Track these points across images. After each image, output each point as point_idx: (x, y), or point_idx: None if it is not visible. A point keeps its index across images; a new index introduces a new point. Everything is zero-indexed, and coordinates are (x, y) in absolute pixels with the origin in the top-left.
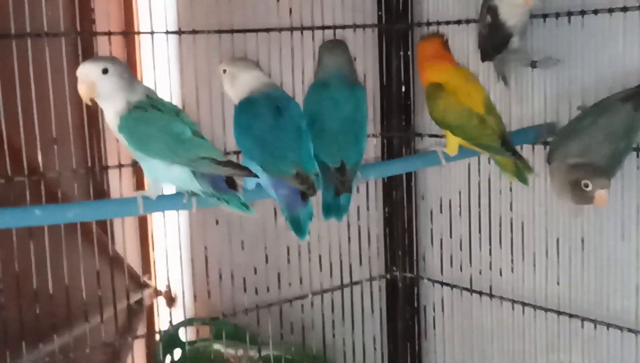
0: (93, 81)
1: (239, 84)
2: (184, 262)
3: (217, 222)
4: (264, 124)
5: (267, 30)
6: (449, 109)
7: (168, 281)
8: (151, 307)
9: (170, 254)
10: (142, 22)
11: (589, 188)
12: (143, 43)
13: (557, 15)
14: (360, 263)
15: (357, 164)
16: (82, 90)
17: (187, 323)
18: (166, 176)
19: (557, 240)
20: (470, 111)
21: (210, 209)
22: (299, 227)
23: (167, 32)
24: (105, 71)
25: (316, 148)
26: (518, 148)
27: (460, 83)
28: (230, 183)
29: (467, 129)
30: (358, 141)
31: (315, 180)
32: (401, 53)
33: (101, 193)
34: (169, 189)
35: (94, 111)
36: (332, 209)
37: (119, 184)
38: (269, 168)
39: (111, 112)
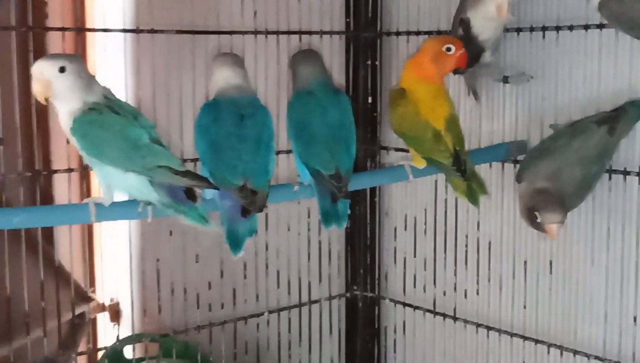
0: (49, 79)
1: (213, 82)
2: (133, 275)
3: (170, 233)
4: (221, 130)
5: (230, 32)
6: (406, 118)
7: (115, 294)
8: (96, 321)
9: (119, 266)
10: (97, 19)
11: (539, 220)
12: (98, 41)
13: (532, 29)
14: (320, 281)
15: (350, 170)
16: (37, 89)
17: (134, 339)
18: (120, 184)
19: (525, 262)
20: (427, 124)
21: (164, 219)
22: (234, 241)
23: (124, 30)
24: (62, 70)
25: (308, 156)
26: (486, 166)
27: (426, 95)
28: (189, 194)
29: (420, 142)
30: (348, 147)
31: (263, 197)
32: (369, 62)
33: (48, 199)
34: (122, 196)
35: (43, 110)
36: (332, 217)
37: (68, 190)
38: (215, 175)
39: (65, 113)
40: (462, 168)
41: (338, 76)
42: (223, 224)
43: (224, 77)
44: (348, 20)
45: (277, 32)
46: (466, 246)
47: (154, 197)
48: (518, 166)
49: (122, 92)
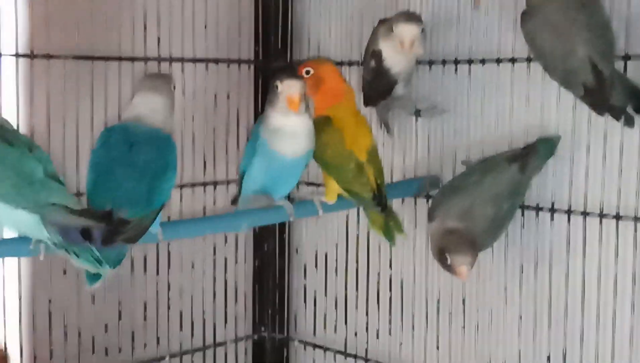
0: None
1: (128, 106)
2: (23, 317)
3: (65, 272)
4: (104, 155)
5: (132, 59)
6: (330, 146)
7: (2, 338)
8: None
9: (8, 307)
10: None
11: (449, 262)
12: None
13: (444, 62)
14: (226, 322)
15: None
16: None
17: None
18: (9, 221)
19: (438, 301)
20: (351, 154)
21: (58, 256)
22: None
23: (17, 55)
24: None
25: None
26: (398, 201)
27: (350, 124)
28: (85, 233)
29: (342, 172)
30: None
31: (137, 228)
32: None
33: None
34: (12, 233)
35: None
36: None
37: None
38: (89, 200)
39: None
40: (382, 202)
41: (246, 106)
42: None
43: (134, 103)
44: (257, 48)
45: (181, 60)
46: (378, 284)
47: (45, 236)
48: (430, 202)
49: (14, 120)
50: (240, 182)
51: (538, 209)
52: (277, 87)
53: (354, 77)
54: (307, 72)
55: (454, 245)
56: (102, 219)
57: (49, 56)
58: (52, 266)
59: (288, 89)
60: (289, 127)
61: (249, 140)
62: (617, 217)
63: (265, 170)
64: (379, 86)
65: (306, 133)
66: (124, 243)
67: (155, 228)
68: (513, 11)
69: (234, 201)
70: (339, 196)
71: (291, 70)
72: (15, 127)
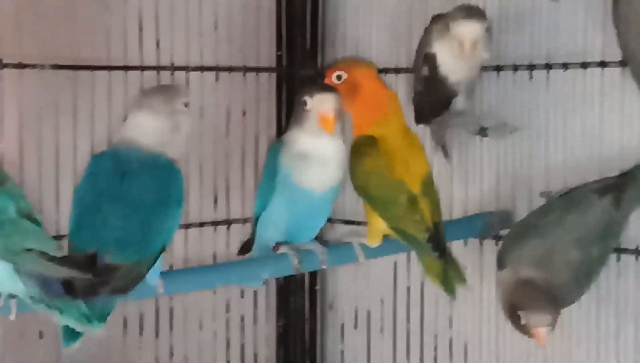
0: None
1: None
2: None
3: (41, 335)
4: (92, 188)
5: (125, 68)
6: (375, 174)
7: None
8: None
9: None
10: None
11: (523, 322)
12: None
13: (515, 68)
14: None
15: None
16: None
17: None
18: None
19: None
20: (401, 185)
21: (32, 315)
22: (67, 329)
23: None
24: None
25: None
26: (460, 243)
27: (400, 145)
28: (68, 285)
29: (390, 207)
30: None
31: (125, 275)
32: None
33: None
34: None
35: None
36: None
37: None
38: (69, 241)
39: None
40: (440, 246)
41: (267, 121)
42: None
43: (128, 123)
44: (280, 53)
45: (186, 68)
46: (435, 349)
47: (19, 288)
48: (500, 245)
49: None
50: (254, 227)
51: (637, 252)
52: (305, 103)
53: (401, 88)
54: (339, 78)
55: (530, 301)
56: (87, 267)
57: (21, 66)
58: (25, 328)
59: (320, 105)
60: (320, 154)
61: (265, 172)
62: None
63: (289, 210)
64: (433, 99)
65: (339, 160)
66: (111, 295)
67: (153, 279)
68: (602, 3)
69: (244, 249)
70: (385, 238)
71: (323, 81)
72: None
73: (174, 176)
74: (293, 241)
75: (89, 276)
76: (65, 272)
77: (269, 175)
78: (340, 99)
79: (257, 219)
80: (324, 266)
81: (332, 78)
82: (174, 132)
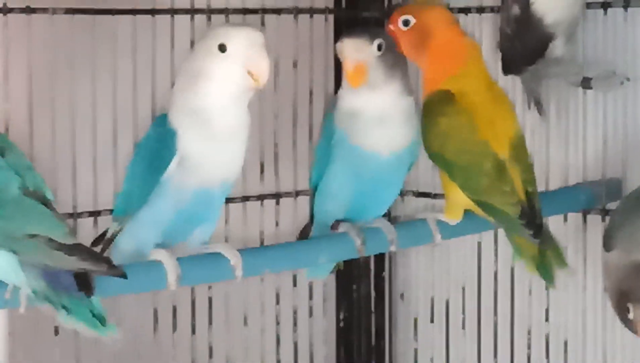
0: None
1: None
2: None
3: (56, 331)
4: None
5: (152, 11)
6: (454, 135)
7: None
8: None
9: None
10: None
11: (631, 316)
12: None
13: (627, 3)
14: None
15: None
16: None
17: None
18: None
19: None
20: (487, 148)
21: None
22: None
23: None
24: None
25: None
26: (558, 218)
27: (484, 102)
28: (81, 280)
29: (473, 176)
30: None
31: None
32: None
33: None
34: None
35: None
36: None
37: None
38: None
39: None
40: (535, 223)
41: (323, 74)
42: None
43: None
44: None
45: (225, 11)
46: (529, 347)
47: (22, 281)
48: (608, 220)
49: None
50: (312, 202)
51: None
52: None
53: (486, 31)
54: (406, 23)
55: None
56: (104, 259)
57: (30, 10)
58: (38, 324)
59: (341, 55)
60: (372, 110)
61: (321, 134)
62: None
63: (349, 179)
64: (526, 44)
65: (404, 118)
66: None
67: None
68: None
69: (304, 233)
70: (467, 213)
71: (364, 25)
72: None
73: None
74: (357, 219)
75: (106, 268)
76: (76, 263)
77: (325, 138)
78: (369, 45)
79: (314, 191)
80: (393, 249)
81: (399, 24)
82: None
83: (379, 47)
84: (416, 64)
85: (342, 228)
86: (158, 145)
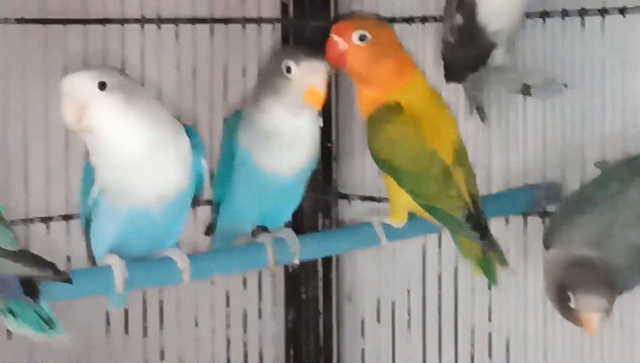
0: None
1: None
2: None
3: (8, 335)
4: None
5: (103, 21)
6: (402, 143)
7: None
8: None
9: None
10: None
11: (572, 305)
12: None
13: (564, 14)
14: None
15: None
16: None
17: None
18: None
19: None
20: (434, 154)
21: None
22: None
23: None
24: None
25: None
26: (499, 221)
27: (427, 109)
28: (27, 286)
29: (422, 181)
30: None
31: None
32: None
33: None
34: None
35: None
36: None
37: None
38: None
39: None
40: (480, 224)
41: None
42: None
43: None
44: (285, 1)
45: (174, 21)
46: (472, 345)
47: None
48: (547, 222)
49: None
50: (215, 214)
51: None
52: (289, 70)
53: (429, 40)
54: (362, 39)
55: (582, 281)
56: (49, 265)
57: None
58: None
59: (309, 75)
60: (293, 133)
61: (222, 152)
62: None
63: (253, 198)
64: (468, 52)
65: (311, 139)
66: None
67: None
68: None
69: (208, 231)
70: (411, 216)
71: (314, 44)
72: None
73: None
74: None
75: (51, 273)
76: (21, 269)
77: (228, 156)
78: (330, 69)
79: (217, 205)
80: (297, 262)
81: (353, 38)
82: None
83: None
84: (357, 78)
85: (260, 238)
86: None
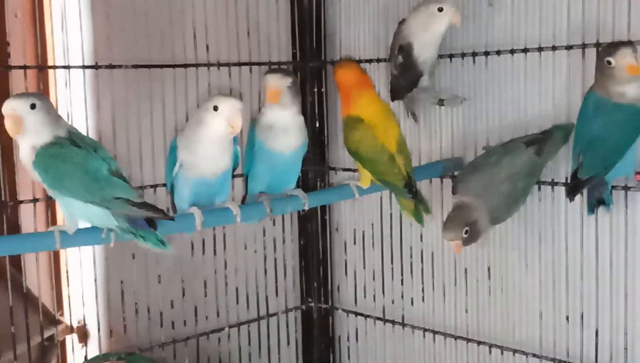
0: (20, 115)
1: None
2: (99, 297)
3: (133, 256)
4: None
5: (185, 65)
6: (364, 142)
7: (82, 316)
8: (65, 343)
9: (86, 289)
10: (58, 56)
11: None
12: (59, 77)
13: (463, 55)
14: (277, 295)
15: None
16: (9, 125)
17: (102, 358)
18: (82, 213)
19: (465, 270)
20: (383, 147)
21: (127, 242)
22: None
23: (84, 67)
24: (33, 106)
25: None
26: (426, 181)
27: (379, 118)
28: (149, 219)
29: (376, 164)
30: None
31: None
32: (315, 90)
33: (14, 228)
34: (86, 224)
35: (7, 144)
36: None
37: (33, 219)
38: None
39: (28, 147)
40: (412, 190)
41: None
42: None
43: None
44: (295, 51)
45: (228, 64)
46: (411, 257)
47: (114, 224)
48: (454, 181)
49: (83, 126)
50: (246, 182)
51: (553, 184)
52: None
53: (382, 73)
54: (333, 76)
55: (447, 221)
56: (160, 211)
57: (111, 66)
58: (122, 252)
59: (269, 83)
60: (281, 123)
61: (248, 141)
62: (626, 188)
63: (267, 168)
64: (406, 79)
65: (299, 128)
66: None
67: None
68: (524, 5)
69: (244, 200)
70: (373, 181)
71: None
72: (84, 132)
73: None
74: (275, 191)
75: (162, 215)
76: (142, 213)
77: (250, 144)
78: (287, 78)
79: (247, 178)
80: (306, 208)
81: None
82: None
83: (293, 82)
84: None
85: (262, 198)
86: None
